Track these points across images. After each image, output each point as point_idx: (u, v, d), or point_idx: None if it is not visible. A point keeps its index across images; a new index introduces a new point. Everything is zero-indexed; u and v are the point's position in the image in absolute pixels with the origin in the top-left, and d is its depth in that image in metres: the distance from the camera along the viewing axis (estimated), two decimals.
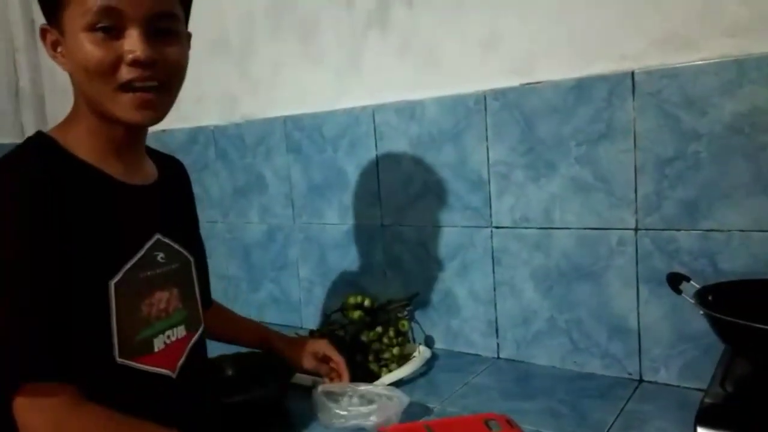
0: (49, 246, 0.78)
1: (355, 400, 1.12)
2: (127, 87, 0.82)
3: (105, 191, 0.88)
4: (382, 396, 1.12)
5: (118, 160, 0.92)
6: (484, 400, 1.20)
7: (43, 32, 0.87)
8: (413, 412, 1.15)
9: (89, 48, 0.80)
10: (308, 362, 1.26)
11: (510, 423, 1.04)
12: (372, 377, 1.29)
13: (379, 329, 1.38)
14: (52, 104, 2.43)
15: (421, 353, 1.38)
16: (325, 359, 1.26)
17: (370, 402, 1.11)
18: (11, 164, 0.82)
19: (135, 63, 0.81)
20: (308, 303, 1.77)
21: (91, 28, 0.80)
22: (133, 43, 0.80)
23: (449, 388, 1.27)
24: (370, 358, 1.34)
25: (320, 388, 1.14)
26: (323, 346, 1.26)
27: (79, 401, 0.79)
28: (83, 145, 0.88)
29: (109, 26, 0.80)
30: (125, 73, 0.81)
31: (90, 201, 0.85)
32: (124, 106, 0.83)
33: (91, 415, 0.80)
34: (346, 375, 1.21)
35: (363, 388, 1.15)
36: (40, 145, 0.86)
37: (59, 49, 0.86)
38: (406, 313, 1.47)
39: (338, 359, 1.23)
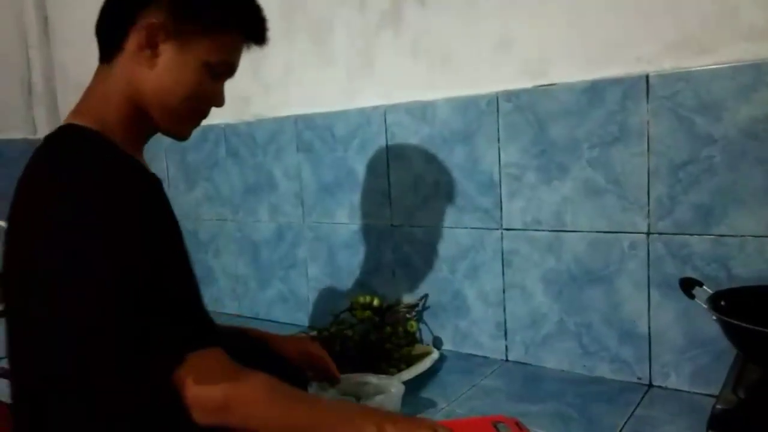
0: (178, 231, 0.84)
1: (349, 398, 1.11)
2: (199, 119, 0.95)
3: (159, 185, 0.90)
4: (375, 386, 1.12)
5: (141, 156, 0.95)
6: (493, 403, 1.20)
7: (154, 28, 0.85)
8: (421, 413, 1.14)
9: (200, 79, 0.89)
10: (291, 356, 1.17)
11: (519, 426, 1.03)
12: None
13: (387, 329, 1.38)
14: (64, 100, 2.44)
15: (431, 354, 1.38)
16: (307, 355, 1.18)
17: (366, 397, 1.10)
18: (103, 162, 0.82)
19: (215, 107, 0.95)
20: (316, 302, 1.77)
21: (212, 67, 0.90)
22: (221, 93, 0.95)
23: (457, 390, 1.26)
24: (379, 358, 1.34)
25: (315, 384, 1.13)
26: (305, 343, 1.21)
27: (239, 366, 0.79)
28: (117, 139, 0.87)
29: (221, 74, 0.93)
30: (206, 111, 0.95)
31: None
32: (185, 128, 0.95)
33: (256, 379, 0.79)
34: (332, 366, 1.15)
35: (357, 378, 1.15)
36: (96, 141, 0.85)
37: (157, 50, 0.86)
38: (414, 313, 1.47)
39: (321, 353, 1.17)
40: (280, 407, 0.79)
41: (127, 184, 0.80)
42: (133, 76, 0.88)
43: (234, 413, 0.76)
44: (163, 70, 0.87)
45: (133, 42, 0.86)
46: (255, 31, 0.93)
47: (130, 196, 0.79)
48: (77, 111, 0.90)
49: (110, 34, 0.89)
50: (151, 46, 0.86)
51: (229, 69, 0.93)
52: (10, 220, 0.87)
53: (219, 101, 0.95)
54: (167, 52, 0.86)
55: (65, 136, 0.85)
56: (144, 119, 0.90)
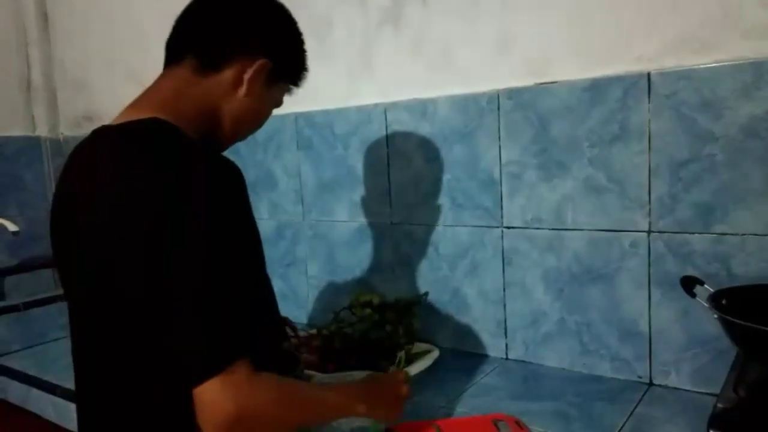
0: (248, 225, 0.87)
1: None
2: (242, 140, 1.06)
3: None
4: None
5: None
6: (493, 401, 1.19)
7: (263, 69, 0.95)
8: (422, 410, 1.14)
9: (268, 115, 1.05)
10: None
11: (518, 424, 1.04)
12: None
13: (387, 327, 1.38)
14: (64, 98, 2.44)
15: (432, 352, 1.37)
16: None
17: None
18: (194, 151, 0.81)
19: None
20: (316, 300, 1.77)
21: (277, 106, 1.06)
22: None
23: (458, 388, 1.26)
24: (379, 356, 1.34)
25: (315, 380, 1.13)
26: None
27: (255, 372, 0.76)
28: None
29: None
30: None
31: None
32: (229, 146, 1.03)
33: (271, 385, 0.78)
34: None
35: (357, 376, 1.15)
36: (178, 131, 0.84)
37: (257, 83, 0.96)
38: (414, 311, 1.46)
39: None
40: (289, 413, 0.81)
41: (230, 176, 0.83)
42: (222, 95, 0.95)
43: (244, 425, 0.75)
44: (251, 101, 0.96)
45: (235, 69, 0.94)
46: (301, 80, 1.07)
47: (233, 188, 0.83)
48: (149, 105, 0.90)
49: (209, 53, 0.94)
50: (253, 80, 0.95)
51: (279, 107, 1.07)
52: (75, 204, 0.86)
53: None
54: (260, 87, 0.97)
55: (156, 127, 0.84)
56: (206, 131, 0.95)
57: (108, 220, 0.79)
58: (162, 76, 0.96)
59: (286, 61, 1.01)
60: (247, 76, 0.94)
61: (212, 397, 0.72)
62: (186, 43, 0.95)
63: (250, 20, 0.96)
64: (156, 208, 0.75)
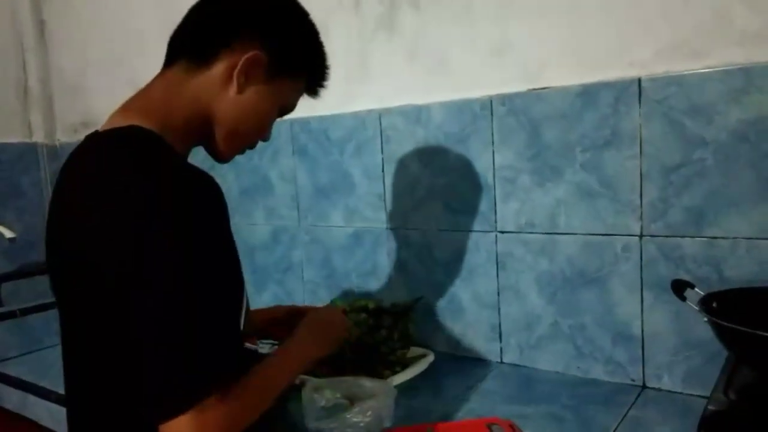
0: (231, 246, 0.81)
1: (342, 402, 1.11)
2: (247, 149, 0.99)
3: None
4: (369, 389, 1.12)
5: None
6: (487, 405, 1.20)
7: (253, 61, 0.88)
8: (417, 414, 1.15)
9: (273, 115, 0.97)
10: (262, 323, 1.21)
11: (513, 428, 1.04)
12: None
13: (383, 332, 1.38)
14: (61, 104, 2.44)
15: (427, 356, 1.38)
16: (274, 321, 1.22)
17: (359, 400, 1.10)
18: (168, 166, 0.78)
19: (261, 141, 1.00)
20: (312, 305, 1.77)
21: (284, 107, 0.98)
22: (271, 130, 1.00)
23: (452, 392, 1.27)
24: (374, 360, 1.34)
25: (308, 385, 1.14)
26: (270, 312, 1.24)
27: (223, 400, 0.72)
28: (174, 146, 0.85)
29: (283, 114, 1.00)
30: (255, 144, 0.99)
31: None
32: (234, 153, 0.97)
33: (241, 399, 0.75)
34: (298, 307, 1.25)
35: (351, 380, 1.15)
36: (160, 144, 0.82)
37: (248, 80, 0.89)
38: (409, 316, 1.47)
39: (287, 311, 1.24)
40: (258, 410, 0.80)
41: (207, 194, 0.79)
42: (213, 94, 0.89)
43: None
44: (247, 99, 0.90)
45: (224, 64, 0.88)
46: (319, 82, 1.01)
47: (210, 206, 0.78)
48: (136, 110, 0.87)
49: (197, 49, 0.89)
50: (246, 75, 0.88)
51: (290, 110, 1.01)
52: (62, 212, 0.85)
53: (269, 136, 1.00)
54: (256, 84, 0.90)
55: (134, 138, 0.81)
56: (202, 133, 0.91)
57: (85, 234, 0.78)
58: (155, 78, 0.92)
59: (286, 53, 0.92)
60: (236, 71, 0.88)
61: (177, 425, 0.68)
62: (181, 42, 0.92)
63: (243, 10, 0.90)
64: (128, 230, 0.72)
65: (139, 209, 0.72)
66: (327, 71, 1.01)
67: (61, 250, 0.85)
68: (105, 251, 0.75)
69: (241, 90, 0.89)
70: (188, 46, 0.90)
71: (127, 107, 0.89)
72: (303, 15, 0.96)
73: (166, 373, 0.70)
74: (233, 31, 0.89)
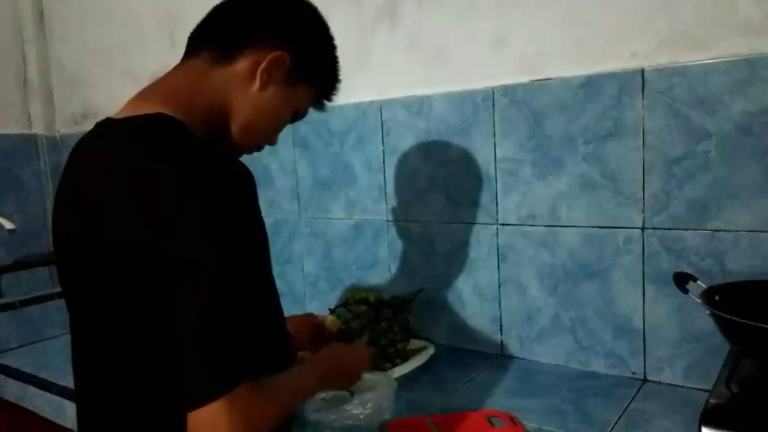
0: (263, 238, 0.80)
1: (342, 394, 1.10)
2: (253, 150, 1.01)
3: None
4: (369, 381, 1.11)
5: None
6: (488, 397, 1.20)
7: (278, 61, 0.89)
8: (417, 407, 1.15)
9: (287, 118, 0.98)
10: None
11: (513, 420, 1.04)
12: None
13: (383, 324, 1.38)
14: (61, 95, 2.43)
15: (427, 349, 1.38)
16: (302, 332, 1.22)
17: (359, 392, 1.09)
18: (199, 151, 0.77)
19: (267, 144, 1.02)
20: (313, 297, 1.77)
21: (297, 112, 0.99)
22: (278, 135, 1.02)
23: (453, 384, 1.27)
24: (375, 353, 1.34)
25: None
26: (298, 320, 1.24)
27: (255, 391, 0.72)
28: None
29: (293, 119, 1.00)
30: (263, 146, 1.01)
31: None
32: (244, 151, 0.99)
33: (268, 402, 0.74)
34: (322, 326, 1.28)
35: None
36: (184, 129, 0.81)
37: (270, 79, 0.90)
38: (410, 308, 1.47)
39: (313, 322, 1.26)
40: (279, 416, 0.78)
41: (245, 181, 0.79)
42: (234, 88, 0.90)
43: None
44: (267, 97, 0.91)
45: (249, 61, 0.89)
46: (328, 95, 1.02)
47: (248, 193, 0.79)
48: (158, 98, 0.85)
49: (223, 42, 0.90)
50: (268, 74, 0.89)
51: (302, 117, 1.02)
52: (77, 202, 0.83)
53: (276, 140, 1.01)
54: (277, 85, 0.91)
55: (164, 126, 0.80)
56: (216, 126, 0.91)
57: (108, 223, 0.76)
58: (175, 68, 0.91)
59: (307, 60, 0.94)
60: (260, 69, 0.89)
61: (212, 421, 0.68)
62: (205, 35, 0.92)
63: (273, 11, 0.92)
64: (159, 215, 0.71)
65: (180, 197, 0.71)
66: (338, 86, 1.02)
67: (77, 240, 0.83)
68: (136, 239, 0.73)
69: (263, 87, 0.90)
70: (214, 39, 0.91)
71: (144, 96, 0.87)
72: (325, 27, 0.99)
73: (201, 359, 0.70)
74: (262, 30, 0.90)
